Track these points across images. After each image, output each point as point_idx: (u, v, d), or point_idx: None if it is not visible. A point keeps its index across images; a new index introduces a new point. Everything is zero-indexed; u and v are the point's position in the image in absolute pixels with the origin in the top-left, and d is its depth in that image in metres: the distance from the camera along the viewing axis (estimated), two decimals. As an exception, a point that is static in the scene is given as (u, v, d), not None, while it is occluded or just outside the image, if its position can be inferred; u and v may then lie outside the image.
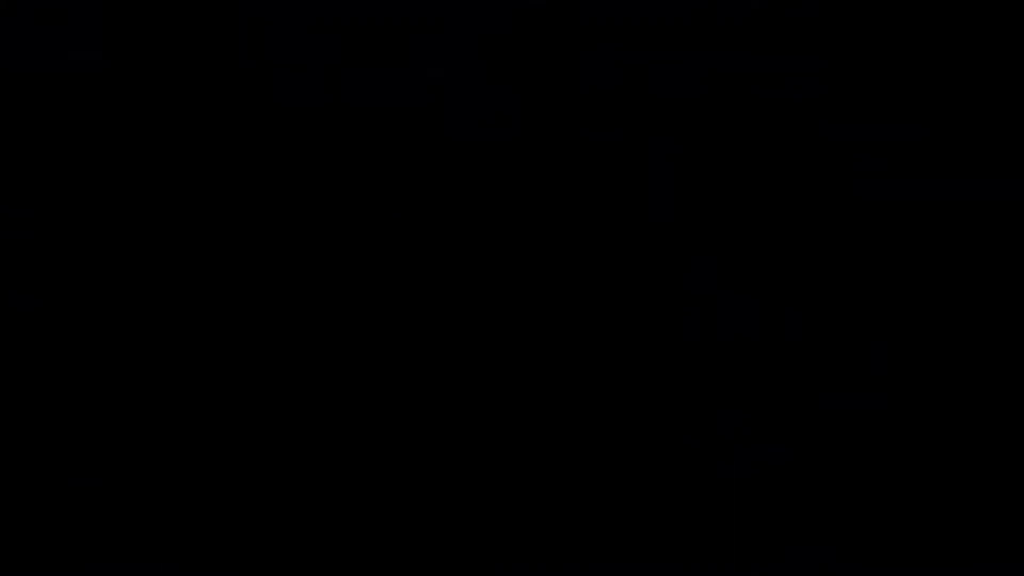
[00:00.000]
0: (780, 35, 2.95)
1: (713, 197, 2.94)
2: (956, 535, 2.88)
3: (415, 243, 2.96)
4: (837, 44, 2.94)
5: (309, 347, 2.95)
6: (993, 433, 2.89)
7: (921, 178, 2.93)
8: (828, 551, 2.89)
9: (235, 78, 2.97)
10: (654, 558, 2.90)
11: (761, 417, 2.92)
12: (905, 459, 2.90)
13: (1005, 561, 2.87)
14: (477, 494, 2.93)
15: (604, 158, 2.96)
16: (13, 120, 2.96)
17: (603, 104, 2.97)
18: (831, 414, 2.91)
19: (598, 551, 2.90)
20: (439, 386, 2.94)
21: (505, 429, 2.93)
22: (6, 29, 2.97)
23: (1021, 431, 2.89)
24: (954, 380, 2.91)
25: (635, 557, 2.90)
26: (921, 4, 2.94)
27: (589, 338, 2.94)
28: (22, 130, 2.96)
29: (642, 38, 2.96)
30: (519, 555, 2.90)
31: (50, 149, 2.96)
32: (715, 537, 2.90)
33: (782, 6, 2.94)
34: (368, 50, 2.99)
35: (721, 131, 2.95)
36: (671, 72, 2.95)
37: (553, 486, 2.92)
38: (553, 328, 2.95)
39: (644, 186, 2.95)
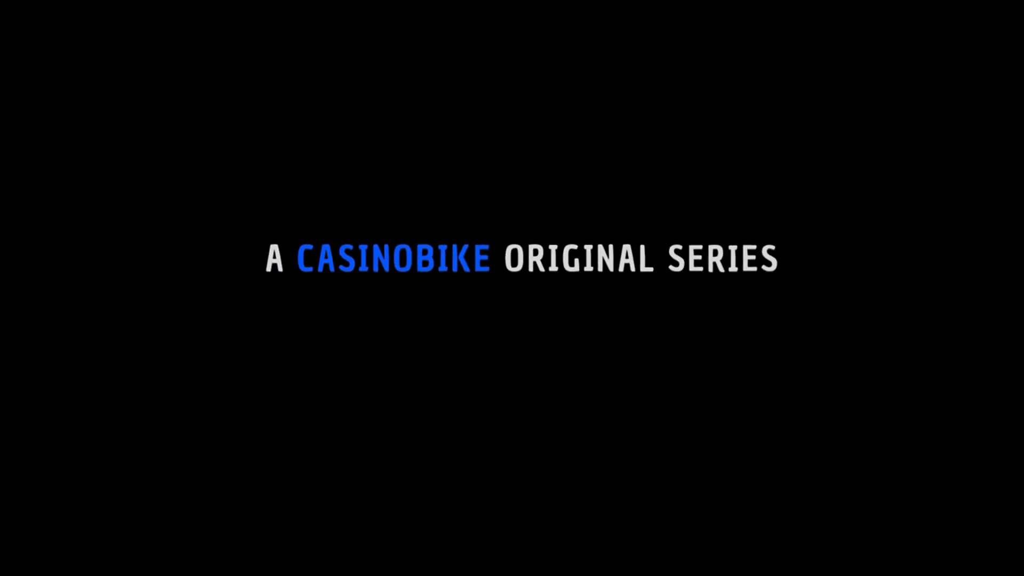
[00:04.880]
0: (780, 35, 2.95)
1: (712, 196, 2.95)
2: (955, 535, 2.89)
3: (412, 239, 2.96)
4: (837, 44, 2.95)
5: (308, 345, 2.96)
6: (992, 433, 2.90)
7: (920, 177, 2.94)
8: (827, 551, 2.89)
9: (235, 77, 2.97)
10: (654, 558, 2.90)
11: (760, 412, 2.92)
12: (905, 459, 2.91)
13: (1004, 562, 2.87)
14: (475, 493, 2.93)
15: (604, 157, 2.96)
16: (12, 119, 2.96)
17: (603, 103, 2.97)
18: (832, 413, 2.92)
19: (597, 551, 2.91)
20: (439, 382, 2.95)
21: (504, 428, 2.94)
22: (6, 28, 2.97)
23: (1020, 431, 2.90)
24: (953, 380, 2.91)
25: (635, 557, 2.91)
26: (920, 4, 2.94)
27: (588, 336, 2.95)
28: (22, 130, 2.97)
29: (640, 37, 2.96)
30: (518, 555, 2.91)
31: (49, 148, 2.97)
32: (715, 537, 2.91)
33: (782, 7, 2.94)
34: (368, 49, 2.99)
35: (721, 130, 2.95)
36: (671, 69, 2.96)
37: (552, 485, 2.93)
38: (551, 328, 2.95)
39: (643, 185, 2.96)
